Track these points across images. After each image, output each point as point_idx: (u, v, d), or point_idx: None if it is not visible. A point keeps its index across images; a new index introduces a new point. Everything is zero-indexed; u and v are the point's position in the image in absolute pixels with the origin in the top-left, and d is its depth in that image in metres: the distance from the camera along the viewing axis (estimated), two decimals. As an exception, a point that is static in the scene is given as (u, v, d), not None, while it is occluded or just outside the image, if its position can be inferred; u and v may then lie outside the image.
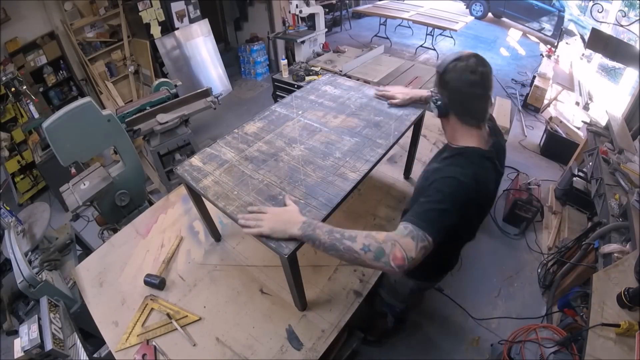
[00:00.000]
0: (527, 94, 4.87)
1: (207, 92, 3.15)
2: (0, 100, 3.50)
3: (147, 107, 2.92)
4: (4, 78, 3.31)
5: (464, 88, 1.02)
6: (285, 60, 4.03)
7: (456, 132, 1.11)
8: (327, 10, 6.30)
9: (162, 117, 2.82)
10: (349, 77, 3.61)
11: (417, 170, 2.13)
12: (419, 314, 2.41)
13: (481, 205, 1.09)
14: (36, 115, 3.61)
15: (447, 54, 1.12)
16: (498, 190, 1.10)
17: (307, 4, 4.09)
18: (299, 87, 3.34)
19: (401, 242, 0.88)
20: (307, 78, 3.75)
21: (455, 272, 2.69)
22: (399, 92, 1.63)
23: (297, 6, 3.95)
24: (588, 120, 3.24)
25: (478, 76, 1.00)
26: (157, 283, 1.54)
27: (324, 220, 1.14)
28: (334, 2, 7.47)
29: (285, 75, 3.95)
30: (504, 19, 8.02)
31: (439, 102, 1.10)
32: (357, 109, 1.70)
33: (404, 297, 1.58)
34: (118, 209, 2.40)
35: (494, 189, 1.10)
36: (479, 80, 1.01)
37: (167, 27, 4.65)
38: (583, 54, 5.77)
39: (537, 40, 7.25)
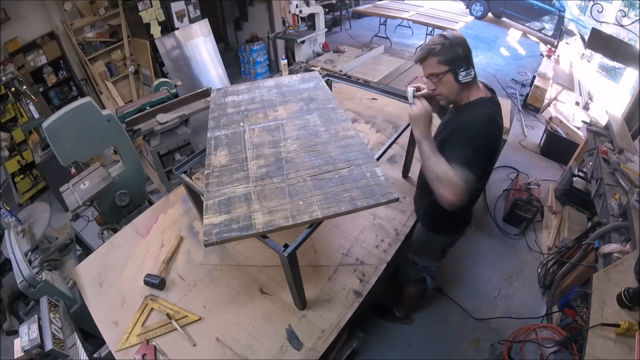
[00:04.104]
0: (527, 94, 4.86)
1: (207, 92, 3.15)
2: (0, 100, 3.50)
3: (147, 107, 2.91)
4: (4, 78, 3.31)
5: (469, 52, 1.22)
6: (285, 60, 4.02)
7: (471, 91, 1.27)
8: (327, 10, 6.30)
9: (162, 117, 2.81)
10: (349, 77, 3.60)
11: (415, 170, 2.13)
12: (418, 314, 2.42)
13: (497, 144, 1.27)
14: (36, 115, 3.60)
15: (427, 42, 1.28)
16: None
17: (307, 4, 4.09)
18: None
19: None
20: (307, 78, 3.74)
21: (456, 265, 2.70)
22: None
23: (297, 6, 3.95)
24: (588, 120, 3.23)
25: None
26: (157, 283, 1.54)
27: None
28: (334, 2, 7.46)
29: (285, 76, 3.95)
30: (504, 19, 8.01)
31: (470, 71, 1.21)
32: (279, 98, 1.86)
33: (436, 255, 1.72)
34: (118, 209, 2.39)
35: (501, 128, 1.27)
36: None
37: (167, 27, 4.64)
38: (583, 54, 5.77)
39: (537, 40, 7.25)
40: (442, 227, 1.59)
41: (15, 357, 1.36)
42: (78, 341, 1.50)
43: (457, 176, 1.12)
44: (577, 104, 4.67)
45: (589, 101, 4.66)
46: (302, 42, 4.21)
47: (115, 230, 2.36)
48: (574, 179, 2.90)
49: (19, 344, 1.37)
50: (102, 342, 1.55)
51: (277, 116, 1.70)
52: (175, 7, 4.61)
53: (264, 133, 1.57)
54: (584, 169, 2.84)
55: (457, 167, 1.13)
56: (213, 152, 1.50)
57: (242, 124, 1.67)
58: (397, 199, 1.20)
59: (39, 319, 1.45)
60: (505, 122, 3.02)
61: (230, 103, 1.87)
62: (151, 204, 2.46)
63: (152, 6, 4.36)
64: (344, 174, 1.29)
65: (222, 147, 1.52)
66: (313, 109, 1.72)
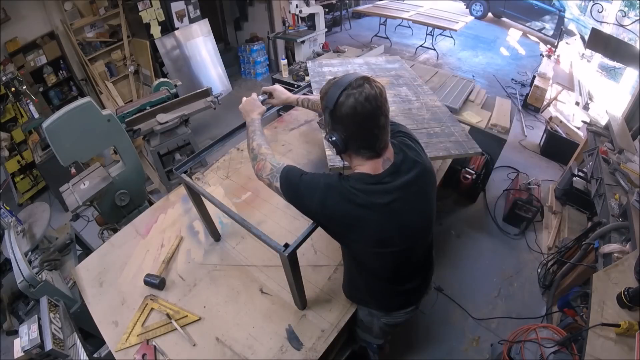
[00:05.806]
0: (527, 94, 4.86)
1: (207, 92, 3.15)
2: (0, 100, 3.50)
3: (147, 107, 2.92)
4: (4, 78, 3.31)
5: (363, 123, 0.91)
6: (285, 60, 4.03)
7: (353, 161, 1.03)
8: (327, 10, 6.30)
9: (162, 117, 2.82)
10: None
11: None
12: (419, 313, 2.41)
13: (363, 230, 0.99)
14: (36, 115, 3.60)
15: (331, 79, 0.98)
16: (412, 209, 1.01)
17: (307, 4, 4.10)
18: (299, 86, 3.34)
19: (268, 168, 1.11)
20: (307, 78, 3.75)
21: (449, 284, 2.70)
22: (279, 91, 1.61)
23: (297, 6, 3.95)
24: (588, 120, 3.24)
25: (374, 104, 0.89)
26: (157, 283, 1.54)
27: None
28: (334, 2, 7.46)
29: (285, 75, 3.95)
30: (504, 19, 8.01)
31: (334, 139, 0.96)
32: (369, 72, 2.07)
33: (376, 333, 1.52)
34: (118, 209, 2.39)
35: (384, 212, 0.97)
36: (376, 109, 0.89)
37: (167, 27, 4.65)
38: (583, 54, 5.77)
39: (537, 40, 7.25)
40: (354, 295, 1.40)
41: (15, 357, 1.36)
42: (78, 341, 1.50)
43: (276, 161, 1.11)
44: (577, 104, 4.67)
45: (589, 101, 4.65)
46: (302, 42, 4.22)
47: (115, 230, 2.36)
48: (574, 179, 2.90)
49: (19, 344, 1.37)
50: (102, 342, 1.55)
51: None
52: (175, 7, 4.61)
53: None
54: (584, 169, 2.84)
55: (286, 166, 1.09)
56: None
57: None
58: (481, 152, 1.60)
59: (39, 319, 1.44)
60: (505, 122, 3.03)
61: (328, 72, 2.23)
62: (151, 204, 2.45)
63: (152, 6, 4.37)
64: (437, 132, 1.65)
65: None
66: (402, 83, 2.06)
